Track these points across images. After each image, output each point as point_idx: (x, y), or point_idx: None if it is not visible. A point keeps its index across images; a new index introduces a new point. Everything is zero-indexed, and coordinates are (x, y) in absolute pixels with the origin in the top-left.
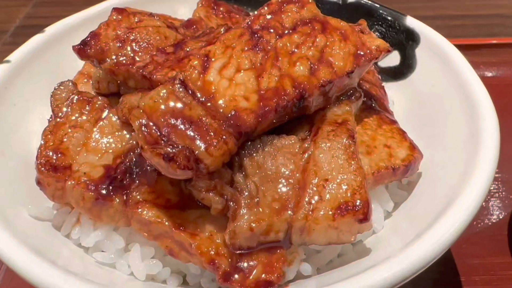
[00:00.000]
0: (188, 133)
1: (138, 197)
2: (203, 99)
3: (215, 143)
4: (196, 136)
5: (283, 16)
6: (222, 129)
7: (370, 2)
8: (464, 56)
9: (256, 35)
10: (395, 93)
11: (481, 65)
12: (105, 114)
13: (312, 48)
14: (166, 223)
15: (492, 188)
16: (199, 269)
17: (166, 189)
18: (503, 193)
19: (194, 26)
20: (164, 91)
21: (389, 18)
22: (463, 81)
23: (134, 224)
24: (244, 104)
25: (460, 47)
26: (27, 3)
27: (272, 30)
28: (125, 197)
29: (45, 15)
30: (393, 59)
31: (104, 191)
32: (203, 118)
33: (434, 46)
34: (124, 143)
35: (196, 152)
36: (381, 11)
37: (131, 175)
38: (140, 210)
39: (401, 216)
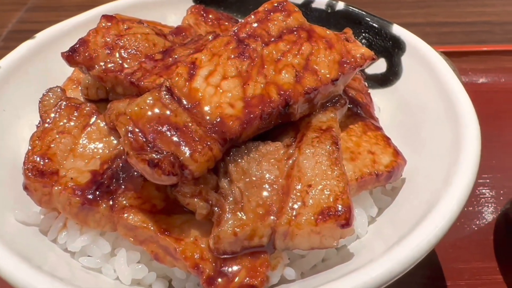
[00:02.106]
0: (174, 139)
1: (124, 202)
2: (189, 106)
3: (200, 149)
4: (181, 142)
5: (269, 24)
6: (207, 135)
7: (357, 10)
8: (452, 63)
9: (242, 43)
10: (381, 100)
11: (469, 71)
12: (93, 120)
13: (297, 56)
14: (152, 228)
15: (478, 193)
16: (185, 273)
17: (152, 195)
18: (490, 198)
19: (183, 33)
20: (150, 98)
21: (376, 26)
22: (447, 89)
23: (120, 229)
24: (230, 111)
25: (449, 54)
26: (20, 8)
27: (258, 38)
28: (111, 202)
29: (38, 20)
30: (380, 66)
31: (90, 196)
32: (189, 125)
33: (419, 54)
34: (111, 149)
35: (181, 158)
36: (368, 19)
37: (118, 180)
38: (126, 215)
39: (385, 221)
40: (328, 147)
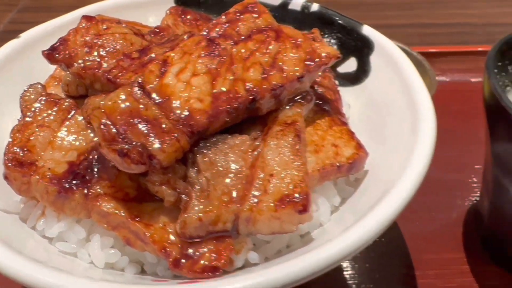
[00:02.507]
0: (144, 131)
1: (99, 190)
2: (159, 100)
3: (167, 141)
4: (150, 134)
5: (239, 24)
6: (175, 128)
7: (330, 11)
8: (429, 63)
9: (213, 42)
10: (351, 97)
11: (449, 71)
12: (71, 114)
13: (265, 55)
14: (123, 214)
15: (449, 187)
16: (156, 258)
17: (125, 184)
18: (460, 192)
19: (161, 33)
20: (123, 93)
21: (347, 26)
22: (409, 86)
23: (94, 215)
24: (198, 105)
25: (431, 55)
26: (11, 9)
27: (228, 38)
28: (86, 191)
29: (29, 20)
30: (351, 65)
31: (66, 185)
32: (158, 118)
33: (386, 53)
34: (88, 142)
35: (150, 148)
36: (340, 20)
37: (93, 171)
38: (99, 202)
39: (346, 209)
40: (290, 139)
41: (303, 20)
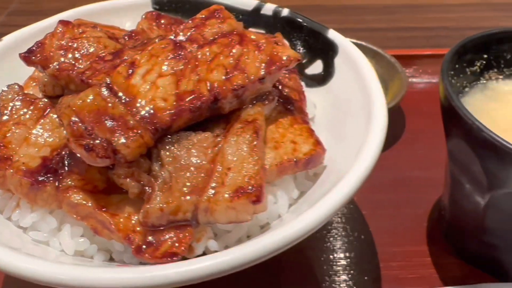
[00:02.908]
0: (110, 128)
1: (69, 183)
2: (126, 100)
3: (131, 137)
4: (116, 130)
5: (205, 29)
6: (140, 125)
7: (299, 16)
8: (408, 65)
9: (179, 46)
10: (317, 98)
11: (423, 73)
12: (46, 113)
13: (228, 57)
14: (90, 205)
15: (417, 184)
16: (123, 246)
17: (95, 177)
18: (427, 189)
19: (136, 37)
20: (91, 93)
21: (315, 30)
22: (366, 87)
23: (64, 206)
24: (162, 104)
25: (406, 57)
26: (2, 12)
27: (194, 41)
28: (57, 184)
29: (19, 23)
30: (317, 67)
31: (39, 178)
32: (124, 116)
33: (349, 56)
34: (61, 138)
35: (114, 144)
36: (308, 25)
37: (65, 165)
38: (69, 194)
39: (303, 202)
40: (248, 136)
41: (274, 24)
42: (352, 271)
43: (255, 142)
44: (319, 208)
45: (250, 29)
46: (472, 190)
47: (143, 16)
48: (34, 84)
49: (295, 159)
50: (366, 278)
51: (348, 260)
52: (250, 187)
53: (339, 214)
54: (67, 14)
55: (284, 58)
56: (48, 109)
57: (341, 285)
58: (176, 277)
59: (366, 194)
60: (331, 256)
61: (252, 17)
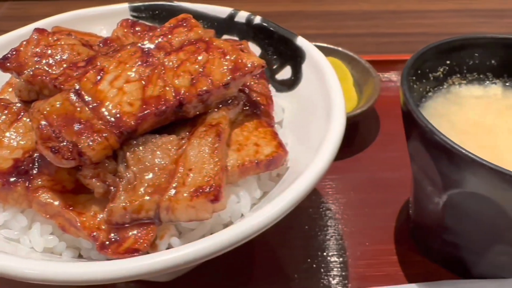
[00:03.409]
0: (76, 131)
1: (39, 183)
2: (93, 105)
3: (96, 139)
4: (82, 133)
5: (172, 37)
6: (106, 128)
7: (271, 23)
8: (383, 70)
9: (147, 53)
10: (286, 102)
11: (395, 78)
12: (20, 117)
13: (194, 64)
14: (58, 203)
15: (388, 185)
16: (90, 244)
17: (64, 178)
18: (398, 190)
19: (110, 44)
20: (60, 98)
21: (284, 37)
22: (329, 91)
23: (34, 205)
24: (128, 108)
25: (385, 62)
26: None
27: (161, 49)
28: (28, 184)
29: (7, 29)
30: (287, 73)
31: (11, 179)
32: (90, 120)
33: (314, 62)
34: (34, 141)
35: (80, 146)
36: (278, 32)
37: (35, 166)
38: (38, 194)
39: (265, 201)
40: (210, 139)
41: (247, 31)
42: (321, 269)
43: (216, 145)
44: (274, 205)
45: (224, 36)
46: (431, 191)
47: (119, 24)
48: (11, 89)
49: (256, 161)
50: (333, 275)
51: (317, 258)
52: (208, 187)
53: (311, 214)
54: (47, 22)
55: (249, 64)
56: (22, 113)
57: (309, 281)
58: (133, 270)
59: (338, 194)
60: (300, 255)
61: (226, 25)
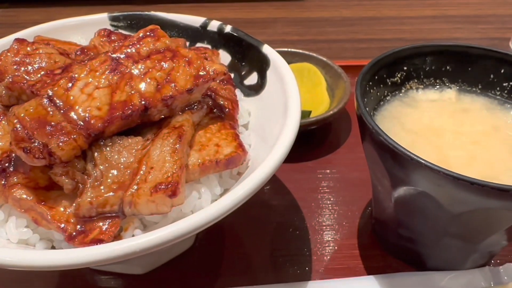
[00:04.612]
0: (47, 133)
1: (15, 180)
2: (64, 109)
3: (66, 141)
4: (52, 135)
5: (140, 46)
6: (74, 130)
7: (240, 32)
8: (347, 75)
9: (116, 61)
10: (253, 106)
11: None
12: None
13: (160, 71)
14: (31, 198)
15: (355, 184)
16: (62, 236)
17: (38, 176)
18: (363, 188)
19: (87, 52)
20: (34, 103)
21: (252, 45)
22: (287, 94)
23: (9, 201)
24: (96, 112)
25: (358, 67)
26: None
27: (130, 57)
28: (4, 181)
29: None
30: (254, 78)
31: None
32: (61, 123)
33: (277, 68)
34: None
35: (50, 146)
36: (246, 40)
37: (12, 165)
38: (14, 190)
39: (224, 196)
40: (172, 140)
41: (219, 39)
42: (286, 263)
43: (177, 145)
44: (227, 197)
45: (198, 44)
46: (384, 189)
47: (96, 33)
48: None
49: (216, 160)
50: (297, 268)
51: (283, 252)
52: (167, 183)
53: (281, 210)
54: (30, 31)
55: (211, 72)
56: (1, 117)
57: (274, 274)
58: (94, 256)
59: (307, 194)
60: (267, 249)
61: (199, 33)
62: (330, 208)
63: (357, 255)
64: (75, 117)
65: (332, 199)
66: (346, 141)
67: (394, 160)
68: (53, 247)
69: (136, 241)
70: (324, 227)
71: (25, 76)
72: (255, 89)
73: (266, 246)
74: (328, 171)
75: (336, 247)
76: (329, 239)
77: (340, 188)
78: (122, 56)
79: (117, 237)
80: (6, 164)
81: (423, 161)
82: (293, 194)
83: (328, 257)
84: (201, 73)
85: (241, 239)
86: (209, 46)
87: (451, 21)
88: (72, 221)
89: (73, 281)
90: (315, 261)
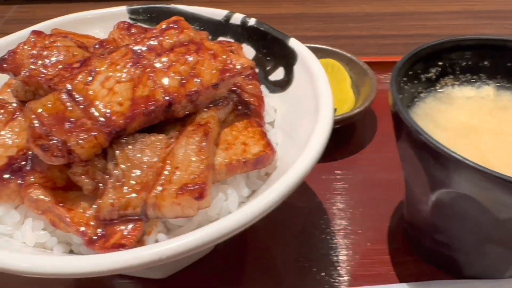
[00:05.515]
0: (67, 130)
1: (32, 180)
2: (84, 105)
3: (86, 138)
4: (72, 132)
5: (164, 39)
6: (95, 127)
7: (265, 25)
8: (382, 71)
9: (138, 54)
10: (279, 103)
11: None
12: (16, 116)
13: (185, 65)
14: (49, 200)
15: (383, 185)
16: (80, 239)
17: (55, 175)
18: (392, 190)
19: (106, 46)
20: (52, 98)
21: (278, 39)
22: (317, 91)
23: (26, 202)
24: (117, 108)
25: (384, 64)
26: None
27: (153, 50)
28: (20, 181)
29: (14, 31)
30: (280, 74)
31: (4, 176)
32: (81, 119)
33: (306, 63)
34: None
35: (69, 144)
36: (272, 33)
37: (28, 164)
38: (30, 190)
39: (253, 199)
40: (197, 138)
41: (242, 33)
42: (313, 268)
43: (203, 144)
44: (258, 202)
45: (220, 38)
46: (420, 192)
47: (115, 26)
48: (9, 90)
49: (244, 160)
50: (325, 274)
51: (310, 257)
52: (193, 185)
53: (306, 213)
54: (47, 24)
55: (238, 66)
56: (18, 113)
57: (301, 280)
58: (117, 263)
59: (333, 195)
60: (293, 254)
61: (221, 27)
62: (357, 210)
63: (388, 260)
64: (95, 113)
65: (359, 201)
66: (372, 141)
67: (434, 160)
68: (71, 251)
69: (164, 247)
70: (351, 231)
71: (42, 70)
72: (281, 85)
73: (291, 250)
74: (353, 171)
75: (365, 252)
76: (357, 243)
77: (367, 189)
78: (144, 48)
79: (139, 241)
80: (23, 163)
81: (469, 162)
82: (318, 195)
83: (357, 263)
84: (227, 67)
85: (264, 242)
86: (232, 40)
87: (478, 16)
88: (92, 224)
89: (88, 284)
90: (343, 266)
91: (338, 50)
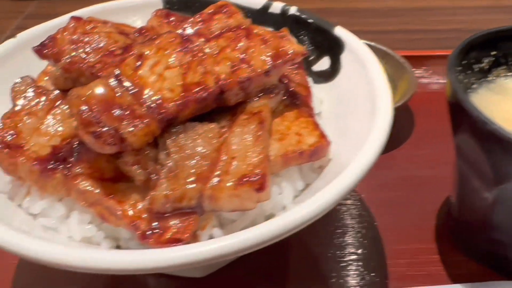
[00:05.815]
0: (117, 117)
1: (78, 170)
2: (134, 90)
3: (138, 125)
4: (123, 119)
5: (212, 23)
6: (147, 114)
7: (306, 14)
8: (417, 66)
9: (187, 39)
10: (324, 94)
11: (430, 74)
12: (57, 104)
13: (235, 51)
14: (98, 191)
15: (425, 182)
16: (129, 233)
17: (102, 166)
18: (436, 187)
19: (146, 33)
20: (100, 83)
21: (321, 27)
22: (372, 84)
23: (73, 193)
24: (169, 95)
25: (418, 58)
26: (18, 16)
27: (201, 35)
28: (66, 171)
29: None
30: (324, 63)
31: (49, 166)
32: (132, 106)
33: (355, 52)
34: (71, 128)
35: (121, 132)
36: (315, 22)
37: (74, 153)
38: (78, 181)
39: (308, 193)
40: (253, 126)
41: (282, 22)
42: (359, 268)
43: (260, 133)
44: (319, 198)
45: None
46: (479, 186)
47: (154, 14)
48: (47, 78)
49: (299, 151)
50: (373, 274)
51: (355, 256)
52: (253, 175)
53: (347, 211)
54: (79, 12)
55: (290, 52)
56: (59, 101)
57: (348, 281)
58: (177, 259)
59: (374, 192)
60: (338, 253)
61: (260, 16)
62: (399, 209)
63: (437, 260)
64: (146, 99)
65: (401, 198)
66: (410, 137)
67: (503, 151)
68: (117, 247)
69: (227, 241)
70: (396, 229)
71: (84, 56)
72: (326, 76)
73: (334, 249)
74: (393, 168)
75: (412, 252)
76: (403, 242)
77: (408, 186)
78: (192, 33)
79: (194, 236)
80: (68, 152)
81: None
82: (359, 192)
83: (406, 263)
84: (278, 53)
85: (306, 240)
86: (272, 29)
87: (508, 11)
88: (144, 217)
89: (123, 282)
90: (391, 266)
91: (372, 43)
